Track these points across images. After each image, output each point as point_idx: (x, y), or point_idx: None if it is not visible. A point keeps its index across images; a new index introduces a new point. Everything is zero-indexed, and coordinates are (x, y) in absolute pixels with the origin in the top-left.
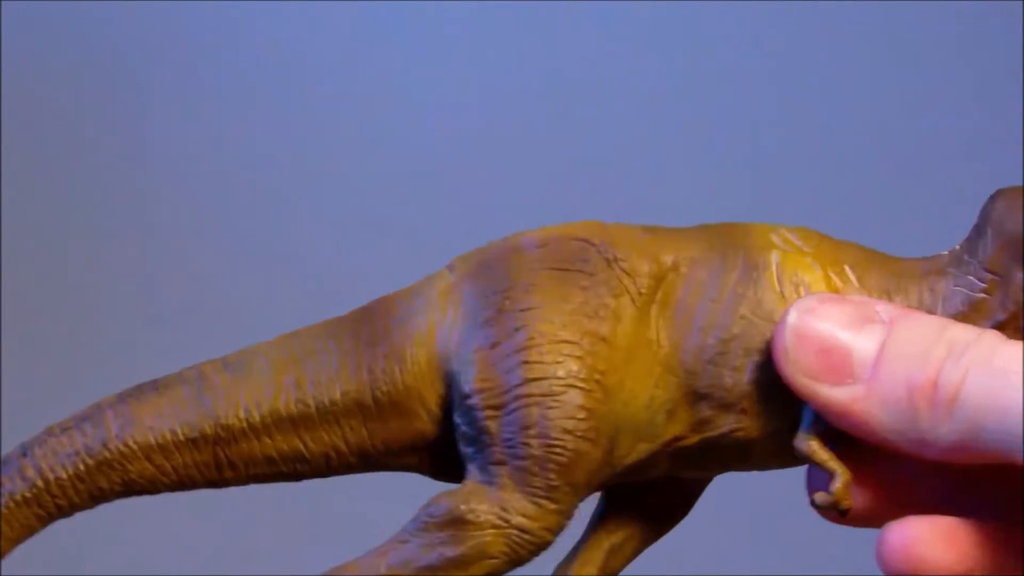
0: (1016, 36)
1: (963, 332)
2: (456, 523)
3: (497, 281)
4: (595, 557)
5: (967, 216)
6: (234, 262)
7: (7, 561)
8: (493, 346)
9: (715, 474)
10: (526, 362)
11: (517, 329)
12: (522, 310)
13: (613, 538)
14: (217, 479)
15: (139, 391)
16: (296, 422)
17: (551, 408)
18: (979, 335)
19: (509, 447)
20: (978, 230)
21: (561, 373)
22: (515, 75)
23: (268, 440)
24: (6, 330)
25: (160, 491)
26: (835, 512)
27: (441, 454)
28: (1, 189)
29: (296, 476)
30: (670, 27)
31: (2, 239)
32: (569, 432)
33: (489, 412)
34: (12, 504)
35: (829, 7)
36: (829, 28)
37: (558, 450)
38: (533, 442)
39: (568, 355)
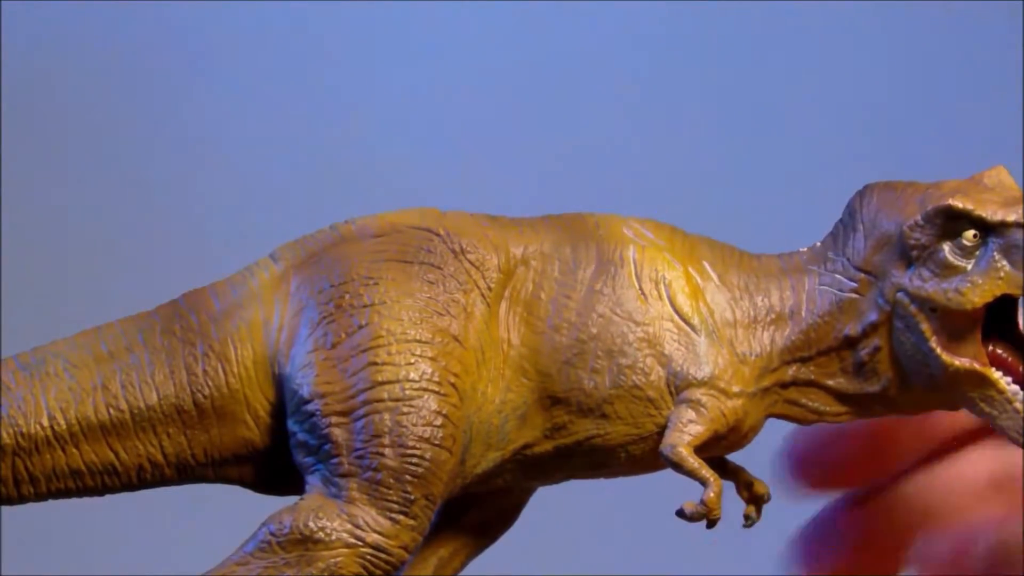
0: (1016, 36)
1: None
2: (304, 542)
3: (332, 274)
4: (424, 572)
5: None
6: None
7: (7, 561)
8: (334, 345)
9: (560, 481)
10: (374, 363)
11: (361, 327)
12: (364, 306)
13: (442, 551)
14: (11, 496)
15: None
16: (107, 429)
17: (405, 414)
18: None
19: (359, 457)
20: (845, 226)
21: (414, 375)
22: (507, 72)
23: (74, 450)
24: (6, 330)
25: None
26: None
27: (268, 465)
28: (1, 187)
29: (102, 490)
30: (668, 22)
31: (2, 238)
32: (426, 440)
33: (334, 419)
34: None
35: (830, 6)
36: (828, 27)
37: (415, 460)
38: (387, 451)
39: (420, 356)
